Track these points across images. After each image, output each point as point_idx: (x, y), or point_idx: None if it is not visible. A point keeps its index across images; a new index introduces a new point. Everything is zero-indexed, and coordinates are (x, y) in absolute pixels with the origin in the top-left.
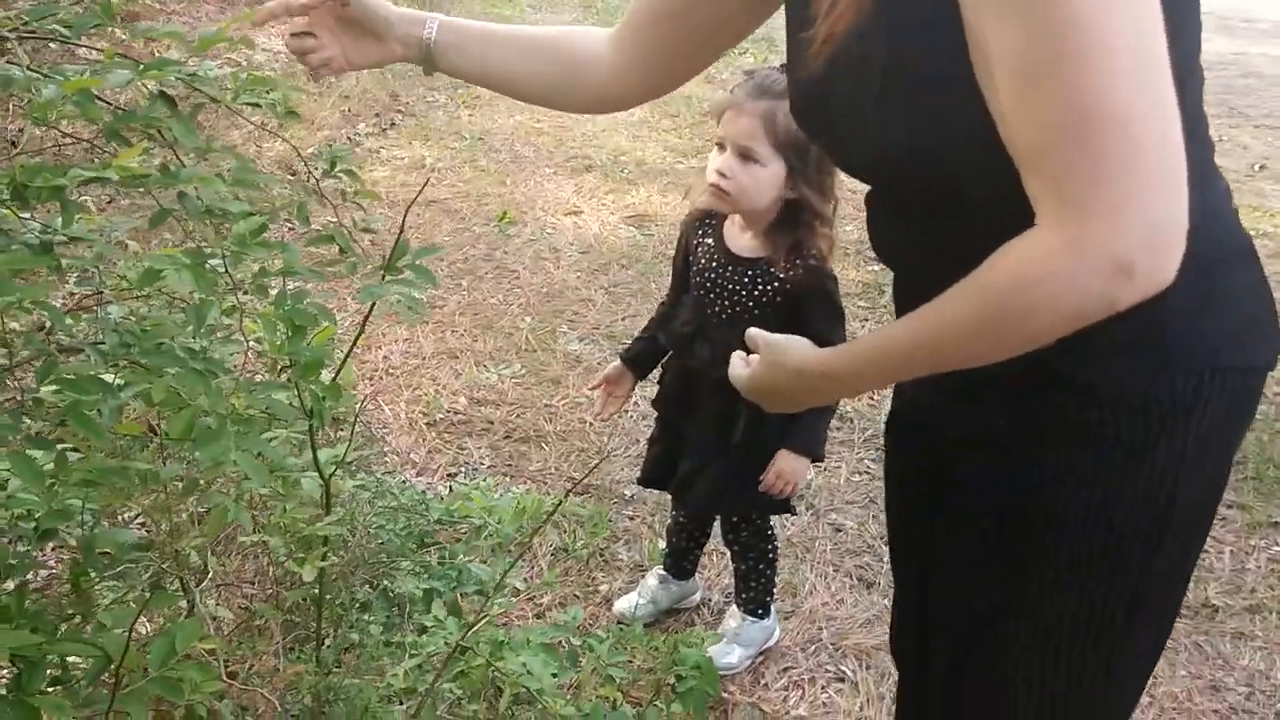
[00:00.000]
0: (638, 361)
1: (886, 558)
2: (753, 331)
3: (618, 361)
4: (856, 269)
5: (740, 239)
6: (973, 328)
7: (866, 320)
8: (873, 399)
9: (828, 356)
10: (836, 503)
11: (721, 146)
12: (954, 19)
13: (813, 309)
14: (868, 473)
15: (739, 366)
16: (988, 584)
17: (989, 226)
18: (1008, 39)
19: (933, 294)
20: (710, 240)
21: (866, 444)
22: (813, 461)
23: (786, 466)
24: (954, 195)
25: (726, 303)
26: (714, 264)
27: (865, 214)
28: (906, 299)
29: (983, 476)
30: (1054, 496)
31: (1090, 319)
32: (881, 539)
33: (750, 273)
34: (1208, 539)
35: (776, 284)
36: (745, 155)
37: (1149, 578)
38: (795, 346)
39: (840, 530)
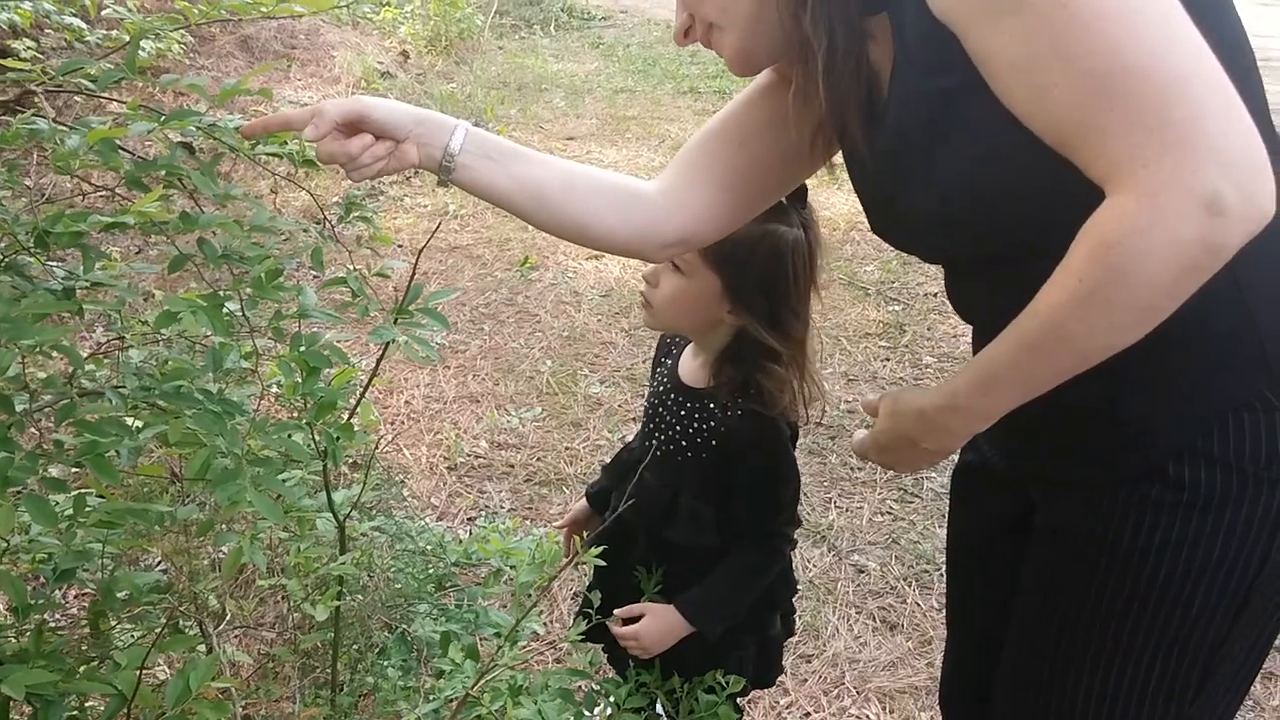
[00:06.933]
0: (603, 498)
1: (909, 599)
2: (870, 398)
3: (583, 501)
4: (877, 309)
5: (689, 365)
6: (1076, 308)
7: (888, 360)
8: None
9: (945, 389)
10: (859, 544)
11: None
12: (958, 52)
13: (741, 459)
14: (890, 513)
15: (859, 435)
16: (1064, 637)
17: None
18: (1006, 43)
19: None
20: (669, 361)
21: (888, 484)
22: (705, 636)
23: (654, 626)
24: (1016, 245)
25: (663, 435)
26: (662, 389)
27: (943, 276)
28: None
29: (1066, 526)
30: (1144, 550)
31: (1202, 266)
32: (904, 580)
33: (689, 405)
34: None
35: (712, 424)
36: (673, 263)
37: (1229, 638)
38: (910, 390)
39: (863, 571)
